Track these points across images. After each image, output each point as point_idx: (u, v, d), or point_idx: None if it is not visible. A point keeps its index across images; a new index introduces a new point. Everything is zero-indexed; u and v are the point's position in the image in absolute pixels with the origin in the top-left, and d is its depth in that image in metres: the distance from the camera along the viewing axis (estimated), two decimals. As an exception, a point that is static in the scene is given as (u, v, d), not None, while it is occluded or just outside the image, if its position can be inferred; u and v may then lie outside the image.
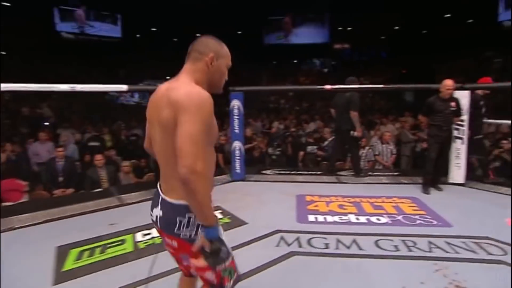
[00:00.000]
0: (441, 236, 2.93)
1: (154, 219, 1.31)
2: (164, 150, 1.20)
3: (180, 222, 1.21)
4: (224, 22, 15.14)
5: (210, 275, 1.25)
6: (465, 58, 14.95)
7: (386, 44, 20.30)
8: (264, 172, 5.36)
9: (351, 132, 4.78)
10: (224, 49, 1.31)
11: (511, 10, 13.67)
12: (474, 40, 14.78)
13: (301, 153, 6.19)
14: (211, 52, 1.26)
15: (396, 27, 18.77)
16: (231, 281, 1.31)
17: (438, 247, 2.74)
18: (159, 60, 16.17)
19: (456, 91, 4.21)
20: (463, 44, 14.86)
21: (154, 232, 3.04)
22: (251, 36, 17.80)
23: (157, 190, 1.33)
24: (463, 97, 4.23)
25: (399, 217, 3.39)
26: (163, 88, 1.24)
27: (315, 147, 6.30)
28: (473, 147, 4.47)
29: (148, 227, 3.15)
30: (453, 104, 4.09)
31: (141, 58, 17.11)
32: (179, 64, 1.33)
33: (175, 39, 17.60)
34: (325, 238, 2.92)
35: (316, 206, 3.74)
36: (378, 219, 3.35)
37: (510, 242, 2.78)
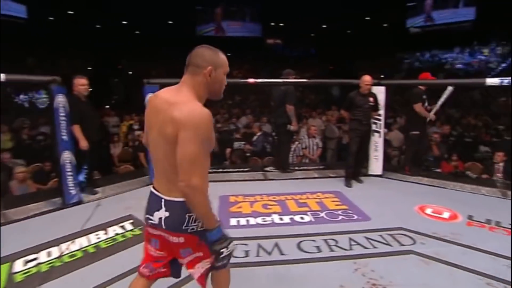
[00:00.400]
0: (361, 231, 2.92)
1: (156, 222, 1.33)
2: (167, 158, 1.26)
3: (190, 217, 1.30)
4: (155, 10, 14.15)
5: (205, 264, 1.37)
6: (381, 57, 16.31)
7: (315, 41, 21.19)
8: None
9: (288, 126, 4.63)
10: (221, 58, 1.34)
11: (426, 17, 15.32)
12: (389, 42, 16.22)
13: (228, 150, 5.90)
14: (209, 65, 1.29)
15: (324, 26, 19.66)
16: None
17: (358, 244, 2.71)
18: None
19: (374, 87, 4.33)
20: (380, 45, 16.16)
21: (43, 256, 2.48)
22: (182, 26, 16.92)
23: (154, 194, 1.36)
24: (380, 92, 4.37)
25: (323, 214, 3.32)
26: (165, 96, 1.31)
27: (242, 143, 6.08)
28: (410, 142, 4.59)
29: (35, 250, 2.56)
30: (371, 99, 4.19)
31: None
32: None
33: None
34: (246, 244, 2.68)
35: (239, 207, 3.50)
36: (302, 218, 3.23)
37: (417, 230, 2.92)
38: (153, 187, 1.38)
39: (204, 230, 1.30)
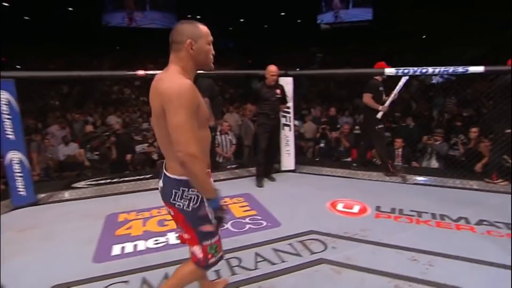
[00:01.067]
0: (269, 242, 2.55)
1: (159, 189, 1.45)
2: (160, 135, 1.36)
3: (175, 193, 1.37)
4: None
5: (197, 250, 1.44)
6: (296, 51, 16.76)
7: (234, 35, 20.84)
8: (75, 185, 4.05)
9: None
10: (199, 29, 1.34)
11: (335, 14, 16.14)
12: (303, 37, 16.75)
13: (129, 155, 5.08)
14: (188, 38, 1.31)
15: (242, 20, 19.40)
16: (214, 259, 1.48)
17: (265, 259, 2.32)
18: None
19: (281, 78, 4.03)
20: (294, 39, 16.57)
21: None
22: (86, 15, 14.82)
23: (162, 166, 1.46)
24: (287, 83, 4.10)
25: (228, 225, 2.87)
26: (157, 77, 1.35)
27: (145, 145, 5.32)
28: (374, 138, 4.21)
29: None
30: (278, 91, 3.87)
31: None
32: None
33: None
34: (126, 281, 2.07)
35: (128, 228, 2.84)
36: (204, 233, 2.73)
37: (329, 231, 2.69)
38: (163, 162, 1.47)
39: (194, 209, 1.36)
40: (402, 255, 2.36)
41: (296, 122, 6.07)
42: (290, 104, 4.17)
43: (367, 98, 4.10)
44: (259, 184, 3.85)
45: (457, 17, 13.46)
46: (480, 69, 3.42)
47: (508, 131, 3.62)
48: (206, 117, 1.36)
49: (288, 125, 4.24)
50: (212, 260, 1.47)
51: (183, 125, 1.20)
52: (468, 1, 12.84)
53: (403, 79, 3.94)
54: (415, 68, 3.60)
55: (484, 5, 12.22)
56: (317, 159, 5.22)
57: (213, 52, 1.38)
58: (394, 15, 15.51)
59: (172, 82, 1.24)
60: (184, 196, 1.36)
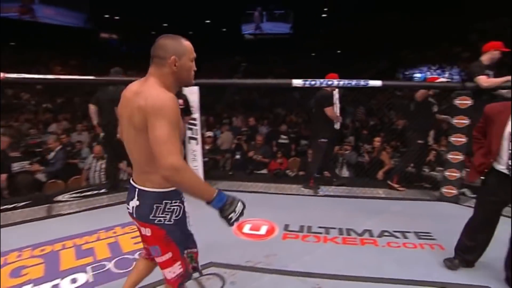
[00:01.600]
0: (161, 282, 2.10)
1: (131, 211, 1.36)
2: (139, 148, 1.28)
3: (157, 207, 1.30)
4: None
5: (176, 268, 1.39)
6: (220, 60, 16.55)
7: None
8: None
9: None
10: (183, 45, 1.31)
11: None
12: (227, 46, 16.62)
13: (3, 175, 4.08)
14: (172, 55, 1.27)
15: (165, 24, 18.43)
16: (190, 266, 1.46)
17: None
18: None
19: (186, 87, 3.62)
20: (219, 48, 16.33)
21: None
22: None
23: (131, 184, 1.38)
24: (192, 93, 3.71)
25: (110, 264, 2.33)
26: (133, 88, 1.30)
27: (26, 162, 4.37)
28: (317, 149, 4.04)
29: None
30: (180, 101, 3.45)
31: None
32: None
33: None
34: None
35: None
36: (73, 280, 2.15)
37: (230, 262, 2.37)
38: (132, 179, 1.39)
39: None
40: (305, 284, 2.15)
41: (211, 133, 5.73)
42: (196, 115, 3.79)
43: (331, 111, 3.92)
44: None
45: (367, 34, 14.91)
46: (378, 83, 3.52)
47: (420, 142, 3.85)
48: (182, 133, 1.34)
49: (195, 138, 3.84)
50: (189, 269, 1.46)
51: (168, 137, 1.16)
52: (376, 21, 14.29)
53: (336, 91, 3.92)
54: (321, 80, 3.56)
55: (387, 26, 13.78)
56: (230, 173, 4.92)
57: (194, 68, 1.35)
58: (313, 30, 16.53)
59: (158, 95, 1.21)
60: (166, 209, 1.32)
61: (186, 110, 3.54)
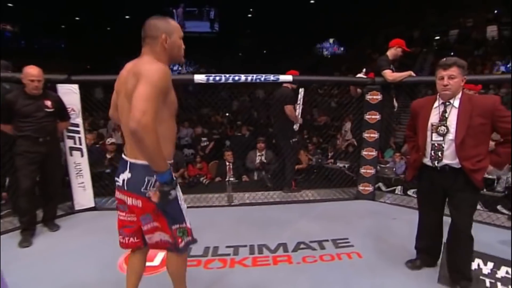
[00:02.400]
0: None
1: (121, 184, 1.39)
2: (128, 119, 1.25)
3: (148, 181, 1.32)
4: None
5: (165, 236, 1.42)
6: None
7: (67, 35, 17.37)
8: None
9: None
10: (171, 24, 1.38)
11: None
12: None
13: None
14: (162, 33, 1.34)
15: (77, 18, 16.30)
16: (183, 242, 1.44)
17: None
18: None
19: (62, 85, 2.84)
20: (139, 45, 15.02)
21: None
22: None
23: (123, 158, 1.41)
24: (70, 92, 2.93)
25: None
26: (129, 66, 1.35)
27: None
28: (287, 152, 3.67)
29: None
30: (48, 102, 2.65)
31: None
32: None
33: None
34: None
35: None
36: None
37: None
38: (123, 153, 1.42)
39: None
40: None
41: (114, 140, 4.91)
42: (79, 120, 3.02)
43: (290, 110, 3.56)
44: (24, 242, 2.53)
45: (289, 36, 15.21)
46: (289, 78, 3.21)
47: (294, 140, 3.72)
48: (175, 107, 1.36)
49: (79, 149, 3.05)
50: (182, 244, 1.43)
51: (148, 96, 1.17)
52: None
53: (301, 91, 3.60)
54: (227, 75, 3.10)
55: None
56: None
57: (183, 46, 1.42)
58: (238, 30, 16.28)
59: (149, 63, 1.27)
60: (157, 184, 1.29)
61: (59, 114, 2.74)
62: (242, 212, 3.25)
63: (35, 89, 2.56)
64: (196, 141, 6.71)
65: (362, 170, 3.41)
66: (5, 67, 3.00)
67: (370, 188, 3.43)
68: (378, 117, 3.27)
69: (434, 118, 1.89)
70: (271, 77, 3.17)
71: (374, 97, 3.25)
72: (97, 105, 3.46)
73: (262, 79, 3.14)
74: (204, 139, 6.72)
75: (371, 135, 3.31)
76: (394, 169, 5.23)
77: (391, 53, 3.35)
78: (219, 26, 16.23)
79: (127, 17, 16.21)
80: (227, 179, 4.08)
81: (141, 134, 1.13)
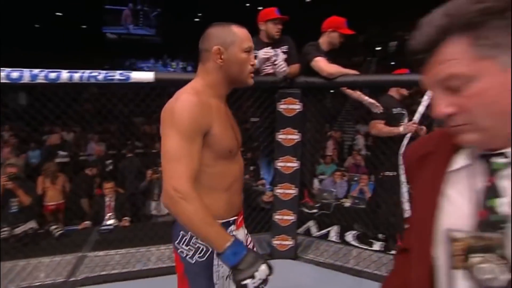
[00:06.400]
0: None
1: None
2: None
3: (182, 236, 0.99)
4: None
5: None
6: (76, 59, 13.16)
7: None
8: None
9: None
10: (232, 33, 0.94)
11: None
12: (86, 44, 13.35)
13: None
14: (215, 45, 0.93)
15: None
16: None
17: None
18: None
19: None
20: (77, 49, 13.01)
21: None
22: None
23: None
24: None
25: None
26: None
27: None
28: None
29: None
30: None
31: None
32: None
33: None
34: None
35: None
36: None
37: None
38: None
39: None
40: None
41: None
42: None
43: None
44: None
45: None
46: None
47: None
48: (230, 147, 0.94)
49: None
50: None
51: (174, 154, 0.84)
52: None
53: None
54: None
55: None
56: None
57: (252, 62, 0.96)
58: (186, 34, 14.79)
59: (177, 98, 0.89)
60: (191, 244, 0.96)
61: None
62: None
63: None
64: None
65: (277, 217, 2.16)
66: None
67: (290, 242, 2.18)
68: (297, 137, 2.05)
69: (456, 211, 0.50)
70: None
71: (290, 106, 2.02)
72: None
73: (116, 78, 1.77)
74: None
75: (287, 164, 2.08)
76: (334, 192, 4.14)
77: (323, 40, 2.19)
78: (165, 31, 14.67)
79: (59, 14, 13.97)
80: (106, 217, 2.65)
81: (173, 208, 0.83)
